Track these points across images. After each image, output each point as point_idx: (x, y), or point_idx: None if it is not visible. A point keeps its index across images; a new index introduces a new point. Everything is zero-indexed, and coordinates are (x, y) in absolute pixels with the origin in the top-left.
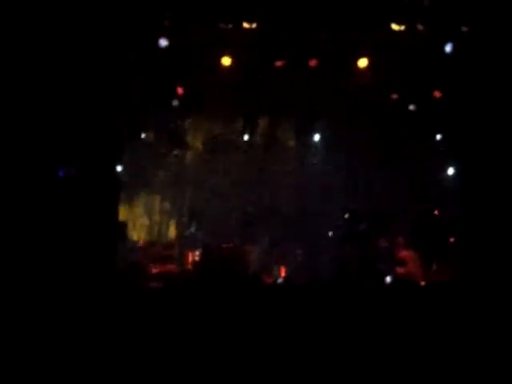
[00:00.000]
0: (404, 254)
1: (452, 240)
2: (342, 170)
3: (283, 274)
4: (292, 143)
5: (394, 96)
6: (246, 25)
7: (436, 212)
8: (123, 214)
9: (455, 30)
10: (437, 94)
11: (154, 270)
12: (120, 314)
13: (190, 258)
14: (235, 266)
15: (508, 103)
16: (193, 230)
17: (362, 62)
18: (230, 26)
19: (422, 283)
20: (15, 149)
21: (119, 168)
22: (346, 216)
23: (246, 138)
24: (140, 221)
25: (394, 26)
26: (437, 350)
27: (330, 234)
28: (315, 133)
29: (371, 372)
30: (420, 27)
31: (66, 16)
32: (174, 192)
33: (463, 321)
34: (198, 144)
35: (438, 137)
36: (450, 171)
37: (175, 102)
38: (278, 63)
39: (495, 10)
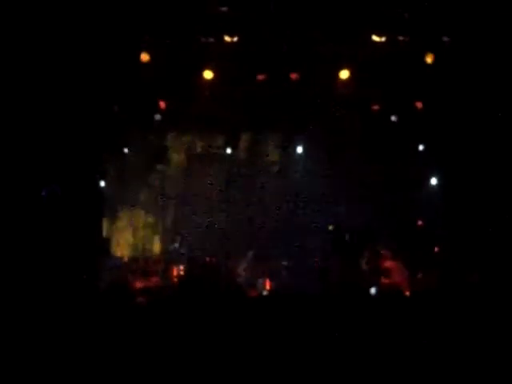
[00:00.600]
0: (389, 264)
1: (436, 249)
2: (326, 182)
3: (268, 286)
4: (275, 156)
5: (376, 107)
6: (227, 38)
7: (420, 222)
8: (107, 229)
9: (436, 40)
10: (418, 104)
11: (139, 285)
12: (104, 330)
13: (175, 273)
14: (219, 279)
15: (489, 113)
16: (177, 244)
17: (344, 74)
18: (212, 39)
19: (407, 293)
20: None
21: (102, 183)
22: (331, 228)
23: (228, 151)
24: (124, 236)
25: (375, 38)
26: (423, 358)
27: (315, 246)
28: (298, 145)
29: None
30: (401, 38)
31: (46, 32)
32: (158, 207)
33: (449, 330)
34: (181, 158)
35: (421, 147)
36: (433, 181)
37: (158, 117)
38: (260, 77)
39: (476, 20)
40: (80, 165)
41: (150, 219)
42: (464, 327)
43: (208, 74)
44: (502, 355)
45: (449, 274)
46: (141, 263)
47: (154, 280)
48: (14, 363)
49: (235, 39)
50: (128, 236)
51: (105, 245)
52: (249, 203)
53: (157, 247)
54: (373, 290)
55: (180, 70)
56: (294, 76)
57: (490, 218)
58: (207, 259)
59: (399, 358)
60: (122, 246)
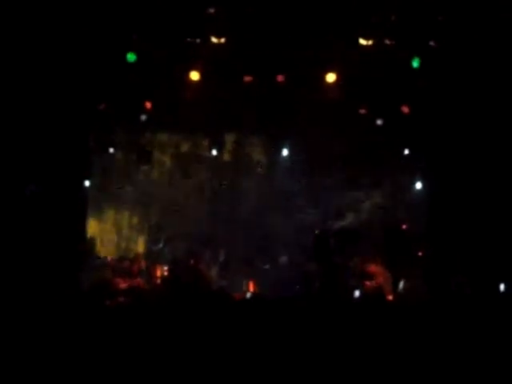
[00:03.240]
0: (372, 268)
1: (420, 253)
2: (311, 185)
3: (252, 288)
4: (260, 158)
5: (362, 111)
6: (214, 40)
7: (404, 226)
8: (91, 229)
9: (422, 44)
10: (404, 108)
11: (122, 285)
12: (88, 330)
13: (159, 273)
14: (201, 280)
15: (476, 117)
16: (161, 245)
17: (330, 77)
18: (199, 40)
19: (390, 297)
20: None
21: (87, 183)
22: (316, 232)
23: (214, 153)
24: (108, 236)
25: (362, 41)
26: (406, 362)
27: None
28: (283, 148)
29: None
30: (387, 42)
31: (33, 30)
32: (142, 207)
33: (433, 334)
34: (166, 159)
35: (406, 151)
36: (418, 185)
37: (143, 117)
38: (247, 78)
39: (462, 24)
40: (65, 164)
41: (135, 219)
42: (448, 331)
43: (194, 75)
44: (486, 357)
45: (432, 278)
46: (125, 263)
47: (138, 280)
48: None
49: (222, 40)
50: (112, 236)
51: (89, 244)
52: (233, 205)
53: (141, 247)
54: (356, 293)
55: (166, 70)
56: (280, 78)
57: (475, 223)
58: (191, 260)
59: (382, 361)
60: (107, 245)
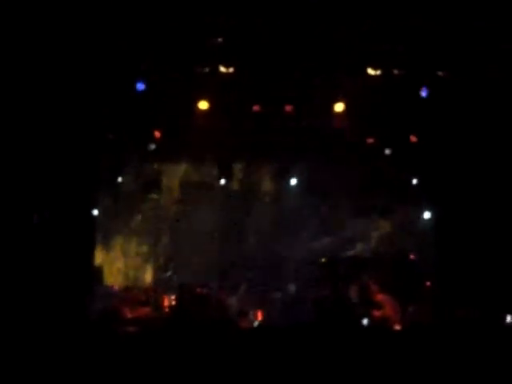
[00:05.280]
0: (380, 297)
1: (428, 284)
2: (319, 214)
3: (260, 317)
4: (269, 187)
5: (370, 140)
6: (222, 69)
7: (412, 256)
8: (99, 257)
9: (431, 74)
10: (413, 138)
11: (130, 315)
12: (95, 359)
13: (166, 302)
14: (210, 310)
15: (484, 146)
16: (169, 273)
17: (339, 107)
18: (207, 70)
19: (397, 327)
20: None
21: (95, 212)
22: (324, 260)
23: (222, 182)
24: (116, 264)
25: (370, 71)
26: None
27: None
28: (292, 177)
29: None
30: (396, 71)
31: (42, 59)
32: (151, 236)
33: (439, 364)
34: (175, 188)
35: (414, 181)
36: (426, 215)
37: (152, 146)
38: (255, 108)
39: (470, 54)
40: (74, 192)
41: (143, 248)
42: (454, 361)
43: (203, 105)
44: None
45: (440, 309)
46: (132, 292)
47: (145, 310)
48: None
49: (231, 70)
50: (120, 264)
51: (97, 273)
52: (242, 233)
53: (149, 276)
54: (364, 322)
55: (175, 99)
56: (288, 108)
57: (483, 253)
58: (198, 289)
59: None
60: (114, 274)
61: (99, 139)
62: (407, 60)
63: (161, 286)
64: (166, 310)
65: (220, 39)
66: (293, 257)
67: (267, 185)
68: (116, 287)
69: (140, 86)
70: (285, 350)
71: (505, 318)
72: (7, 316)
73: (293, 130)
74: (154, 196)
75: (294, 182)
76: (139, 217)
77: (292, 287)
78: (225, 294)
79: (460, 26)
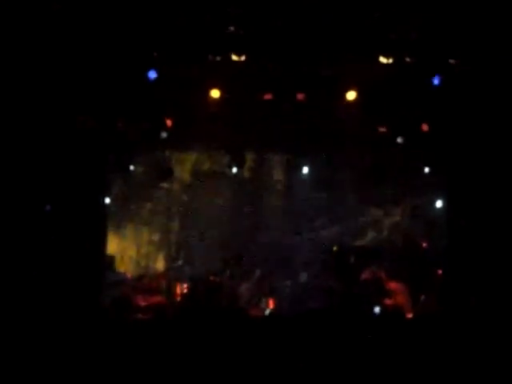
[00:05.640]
0: (392, 285)
1: (439, 272)
2: (330, 202)
3: (271, 305)
4: (280, 176)
5: (382, 129)
6: (234, 57)
7: (424, 244)
8: (111, 246)
9: (443, 62)
10: (425, 126)
11: (142, 303)
12: (107, 346)
13: (178, 291)
14: (223, 298)
15: (496, 135)
16: (181, 262)
17: (350, 95)
18: (219, 58)
19: (410, 315)
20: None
21: (107, 200)
22: (335, 248)
23: (234, 170)
24: (128, 253)
25: (382, 59)
26: (422, 379)
27: (319, 266)
28: (303, 166)
29: None
30: (408, 60)
31: (54, 46)
32: (162, 224)
33: (450, 353)
34: (186, 176)
35: (426, 169)
36: (438, 204)
37: (164, 135)
38: (267, 96)
39: (483, 42)
40: (85, 181)
41: (154, 236)
42: (465, 349)
43: (215, 93)
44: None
45: (451, 297)
46: (144, 280)
47: (157, 297)
48: (16, 378)
49: (243, 58)
50: (132, 253)
51: (109, 261)
52: (253, 222)
53: (160, 264)
54: (376, 310)
55: (187, 87)
56: (300, 96)
57: (495, 241)
58: (211, 278)
59: (401, 377)
60: (126, 262)
61: (111, 127)
62: (419, 48)
63: (172, 274)
64: (178, 298)
65: (232, 27)
66: (304, 245)
67: (279, 173)
68: (128, 275)
69: (152, 74)
70: (296, 338)
71: None
72: (20, 303)
73: (304, 118)
74: (166, 184)
75: (305, 170)
76: (150, 205)
77: (304, 276)
78: (237, 282)
79: (473, 14)
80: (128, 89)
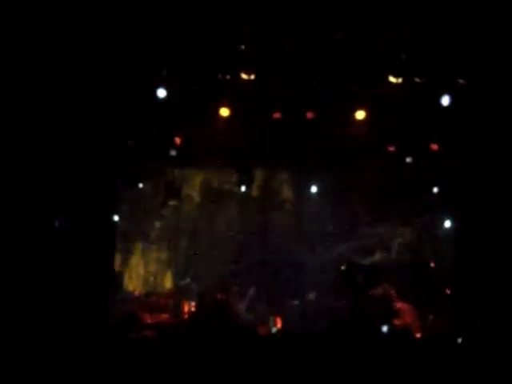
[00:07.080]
0: (400, 305)
1: (448, 292)
2: (339, 222)
3: (279, 324)
4: (289, 194)
5: (391, 148)
6: (244, 76)
7: (432, 264)
8: (119, 263)
9: (452, 82)
10: (434, 146)
11: (149, 320)
12: (114, 363)
13: (186, 308)
14: (229, 316)
15: (505, 155)
16: (188, 280)
17: (360, 114)
18: (228, 77)
19: (418, 335)
20: (11, 198)
21: (116, 217)
22: (343, 268)
23: (242, 189)
24: (136, 270)
25: (392, 79)
26: None
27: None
28: (312, 184)
29: None
30: (417, 79)
31: (61, 63)
32: (171, 242)
33: (459, 373)
34: (195, 194)
35: (435, 189)
36: (447, 224)
37: (172, 152)
38: (276, 115)
39: (491, 62)
40: (94, 198)
41: (163, 254)
42: (474, 370)
43: (224, 111)
44: None
45: (459, 317)
46: (152, 298)
47: (165, 315)
48: None
49: (252, 77)
50: (140, 270)
51: (117, 278)
52: (261, 240)
53: (168, 282)
54: (384, 329)
55: (196, 106)
56: (309, 115)
57: (504, 262)
58: (218, 296)
59: None
60: (134, 280)
61: (120, 145)
62: (428, 68)
63: (180, 292)
64: (186, 316)
65: (242, 46)
66: (312, 264)
67: (287, 192)
68: (136, 293)
69: (161, 93)
70: (302, 357)
71: None
72: (28, 319)
73: (313, 137)
74: (174, 202)
75: (314, 189)
76: (159, 223)
77: (312, 295)
78: (239, 301)
79: (481, 34)
80: (137, 107)
